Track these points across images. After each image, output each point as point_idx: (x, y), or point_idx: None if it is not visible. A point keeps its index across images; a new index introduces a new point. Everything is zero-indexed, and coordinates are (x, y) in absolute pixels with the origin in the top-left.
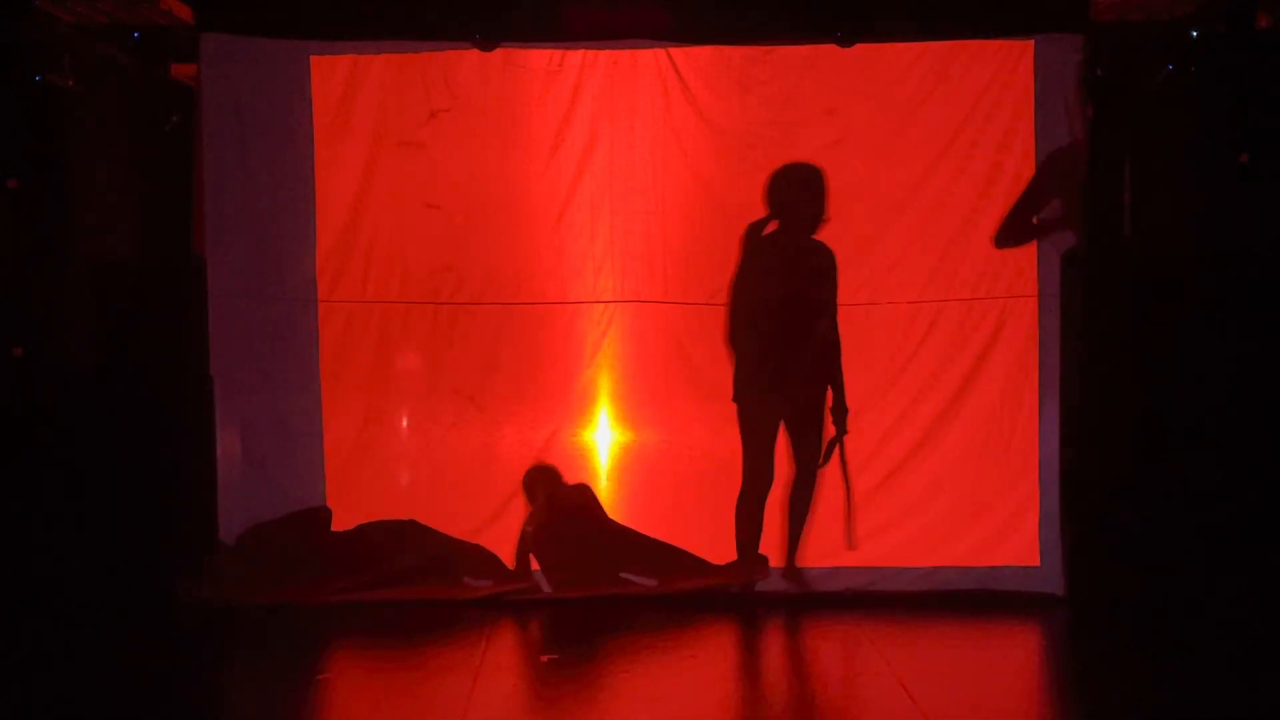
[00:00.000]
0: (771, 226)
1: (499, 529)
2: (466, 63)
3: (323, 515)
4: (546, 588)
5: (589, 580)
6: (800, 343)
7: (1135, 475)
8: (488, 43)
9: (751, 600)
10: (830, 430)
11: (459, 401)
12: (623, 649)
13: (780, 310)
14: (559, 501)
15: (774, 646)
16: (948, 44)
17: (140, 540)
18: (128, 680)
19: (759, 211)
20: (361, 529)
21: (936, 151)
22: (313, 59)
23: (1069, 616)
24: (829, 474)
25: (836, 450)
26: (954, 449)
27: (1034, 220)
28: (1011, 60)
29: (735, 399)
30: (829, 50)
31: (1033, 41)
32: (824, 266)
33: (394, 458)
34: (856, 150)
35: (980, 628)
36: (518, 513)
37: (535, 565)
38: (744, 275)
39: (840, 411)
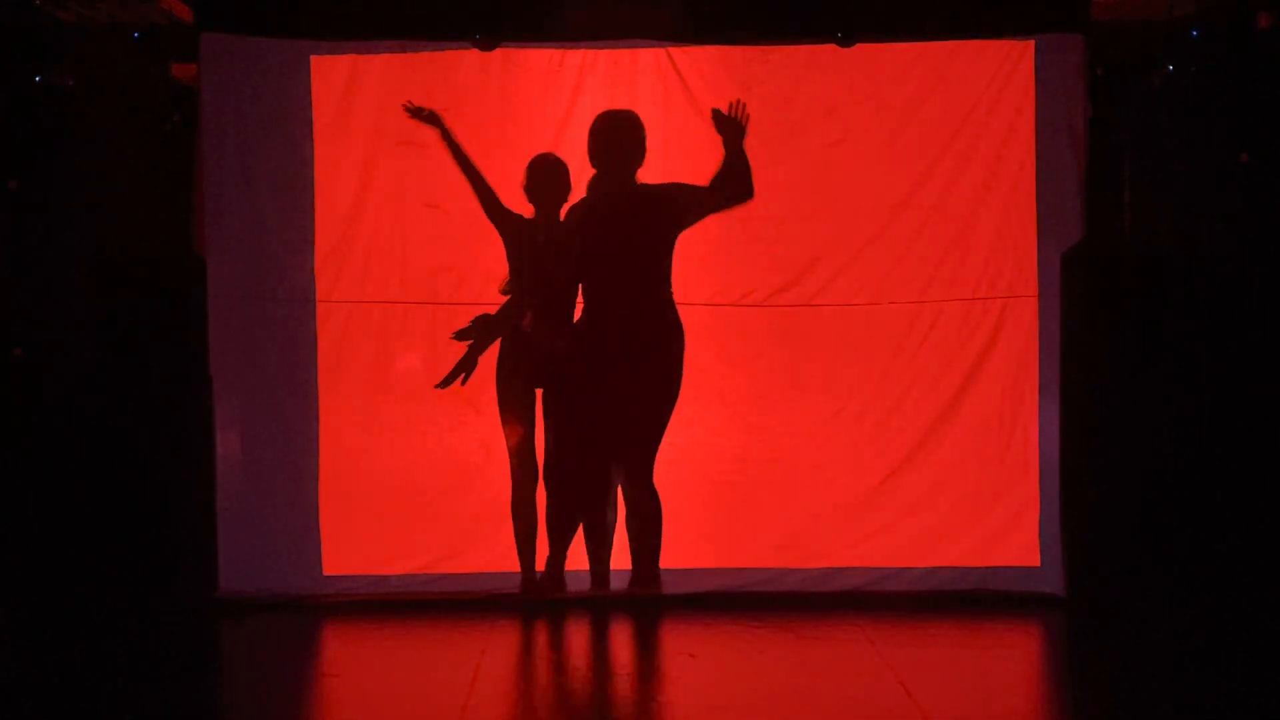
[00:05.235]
0: None
1: (497, 532)
2: (466, 63)
3: None
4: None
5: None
6: None
7: (1135, 475)
8: (488, 42)
9: (749, 599)
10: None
11: (457, 403)
12: (617, 647)
13: None
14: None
15: (774, 646)
16: (948, 44)
17: (140, 540)
18: (128, 680)
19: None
20: None
21: (936, 151)
22: (313, 59)
23: (1069, 616)
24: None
25: None
26: (954, 449)
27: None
28: (1011, 60)
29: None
30: (829, 50)
31: (1033, 42)
32: None
33: (391, 459)
34: (856, 150)
35: (980, 628)
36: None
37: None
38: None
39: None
